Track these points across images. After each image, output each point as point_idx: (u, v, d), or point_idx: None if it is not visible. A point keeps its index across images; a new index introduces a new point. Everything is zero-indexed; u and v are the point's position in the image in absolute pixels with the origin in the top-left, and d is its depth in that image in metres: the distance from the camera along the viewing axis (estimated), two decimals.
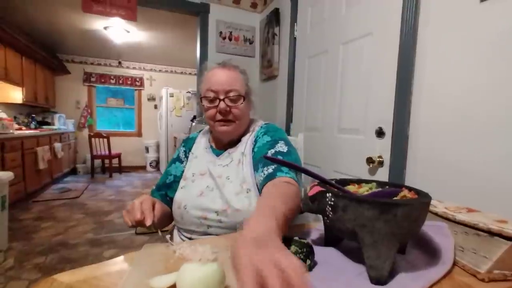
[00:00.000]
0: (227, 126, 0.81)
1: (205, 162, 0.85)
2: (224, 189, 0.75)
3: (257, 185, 0.75)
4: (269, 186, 0.64)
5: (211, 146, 0.91)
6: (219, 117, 0.80)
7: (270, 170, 0.69)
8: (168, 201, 0.87)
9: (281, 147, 0.77)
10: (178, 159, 0.93)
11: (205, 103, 0.81)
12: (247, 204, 0.71)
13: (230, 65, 0.84)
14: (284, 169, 0.69)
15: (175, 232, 0.84)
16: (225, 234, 0.71)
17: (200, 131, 0.99)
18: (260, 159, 0.75)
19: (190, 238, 0.77)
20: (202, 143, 0.92)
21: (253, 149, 0.82)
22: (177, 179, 0.88)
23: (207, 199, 0.75)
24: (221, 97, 0.79)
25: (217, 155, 0.87)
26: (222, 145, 0.89)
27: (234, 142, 0.87)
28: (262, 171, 0.71)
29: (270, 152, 0.75)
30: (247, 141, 0.84)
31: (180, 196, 0.81)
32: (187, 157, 0.92)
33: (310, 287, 0.31)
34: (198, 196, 0.77)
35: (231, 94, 0.79)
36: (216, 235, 0.72)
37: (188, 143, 0.95)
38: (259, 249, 0.33)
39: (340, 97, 1.52)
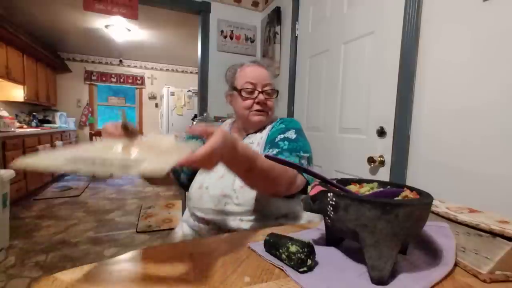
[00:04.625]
0: (262, 115, 0.89)
1: None
2: None
3: None
4: None
5: None
6: (256, 107, 0.88)
7: (274, 152, 0.77)
8: (185, 172, 0.94)
9: (291, 134, 0.83)
10: (200, 139, 0.94)
11: (244, 94, 0.89)
12: None
13: (263, 64, 0.94)
14: (286, 153, 0.76)
15: (182, 224, 0.87)
16: (239, 210, 0.76)
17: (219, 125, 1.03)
18: (268, 142, 0.83)
19: (203, 219, 0.80)
20: None
21: (268, 135, 0.90)
22: None
23: (228, 180, 0.80)
24: (259, 89, 0.88)
25: None
26: (243, 136, 0.95)
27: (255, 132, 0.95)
28: (268, 151, 0.79)
29: (279, 137, 0.82)
30: (266, 129, 0.92)
31: (200, 178, 0.86)
32: None
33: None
34: (219, 178, 0.82)
35: (268, 88, 0.89)
36: (232, 211, 0.77)
37: None
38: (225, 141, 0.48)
39: (342, 97, 1.52)
